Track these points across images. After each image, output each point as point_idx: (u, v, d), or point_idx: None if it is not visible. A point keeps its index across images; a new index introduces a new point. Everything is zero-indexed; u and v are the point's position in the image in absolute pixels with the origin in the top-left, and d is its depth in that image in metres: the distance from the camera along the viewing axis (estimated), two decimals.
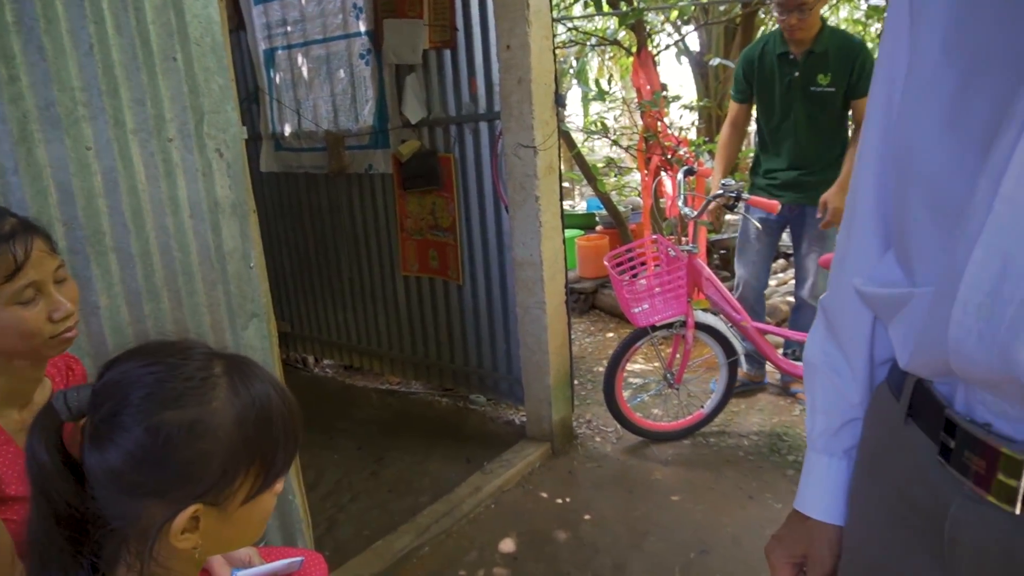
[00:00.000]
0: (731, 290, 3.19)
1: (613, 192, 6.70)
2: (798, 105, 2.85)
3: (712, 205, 2.73)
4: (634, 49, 4.51)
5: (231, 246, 1.64)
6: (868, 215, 0.73)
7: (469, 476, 2.75)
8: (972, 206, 0.52)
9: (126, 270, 1.44)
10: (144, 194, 1.45)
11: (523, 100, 2.58)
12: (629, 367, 3.74)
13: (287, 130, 3.71)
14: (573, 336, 4.50)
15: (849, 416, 0.78)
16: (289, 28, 3.49)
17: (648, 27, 6.33)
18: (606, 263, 2.76)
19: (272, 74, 3.66)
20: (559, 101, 2.66)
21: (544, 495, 2.66)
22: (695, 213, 2.72)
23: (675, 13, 5.94)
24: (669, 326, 2.78)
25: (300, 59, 3.51)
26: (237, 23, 3.67)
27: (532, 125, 2.58)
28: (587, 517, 2.49)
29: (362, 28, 3.21)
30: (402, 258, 3.47)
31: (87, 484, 0.70)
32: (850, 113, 2.90)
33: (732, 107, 3.17)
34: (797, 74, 2.80)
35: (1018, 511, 0.53)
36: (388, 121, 3.26)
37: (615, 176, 7.46)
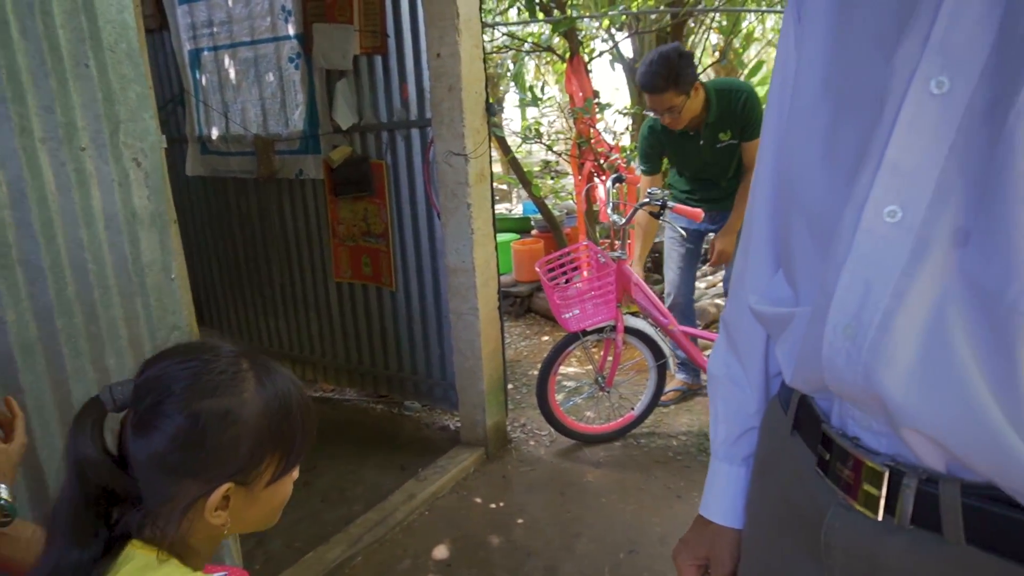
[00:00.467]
0: (661, 295, 3.28)
1: (551, 196, 6.77)
2: (710, 159, 2.92)
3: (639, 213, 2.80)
4: (567, 56, 4.57)
5: (150, 258, 1.59)
6: (762, 235, 0.77)
7: (403, 483, 2.74)
8: (840, 233, 0.57)
9: (35, 284, 1.38)
10: (55, 205, 1.40)
11: (454, 108, 2.59)
12: (563, 370, 3.79)
13: (214, 133, 3.62)
14: (509, 340, 4.54)
15: (747, 425, 0.83)
16: (215, 29, 3.41)
17: (584, 32, 6.43)
18: (537, 269, 2.80)
19: (198, 76, 3.57)
20: (490, 109, 2.68)
21: (478, 500, 2.68)
22: (624, 220, 2.79)
23: (606, 22, 6.03)
24: (600, 331, 2.84)
25: (227, 61, 3.43)
26: (160, 23, 3.56)
27: (463, 133, 2.60)
28: (520, 521, 2.52)
29: (291, 31, 3.16)
30: (334, 264, 3.43)
31: (128, 468, 0.78)
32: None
33: (643, 182, 3.14)
34: (702, 142, 2.86)
35: (880, 518, 0.57)
36: (319, 126, 3.22)
37: (552, 179, 7.54)
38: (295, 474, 0.87)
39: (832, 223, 0.58)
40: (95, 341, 1.49)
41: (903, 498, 0.56)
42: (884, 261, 0.53)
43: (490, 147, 2.75)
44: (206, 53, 3.49)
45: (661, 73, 2.61)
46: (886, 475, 0.57)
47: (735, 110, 2.77)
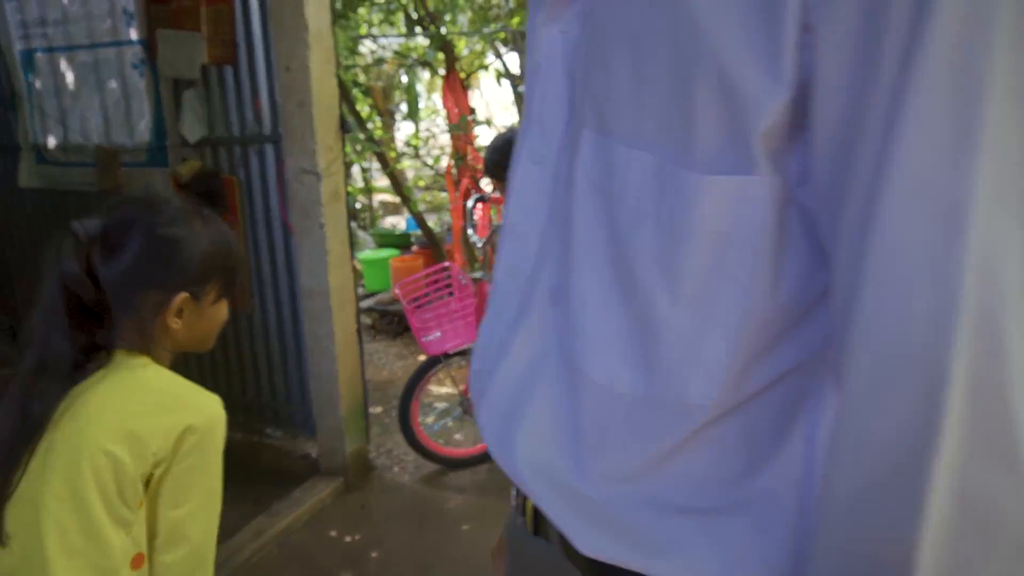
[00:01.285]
0: None
1: (441, 209, 6.69)
2: None
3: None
4: (445, 71, 4.53)
5: None
6: None
7: (254, 519, 2.58)
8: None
9: None
10: None
11: (304, 124, 2.48)
12: (437, 391, 3.72)
13: (51, 142, 3.32)
14: (384, 360, 4.43)
15: None
16: (49, 30, 3.13)
17: (467, 48, 6.40)
18: (397, 291, 2.72)
19: (31, 78, 3.27)
20: (344, 126, 2.59)
21: (333, 534, 2.56)
22: (483, 241, 2.76)
23: (483, 42, 6.05)
24: (463, 353, 2.79)
25: (64, 64, 3.16)
26: None
27: (315, 150, 2.49)
28: (374, 554, 2.42)
29: (134, 36, 2.95)
30: None
31: (100, 288, 0.96)
32: None
33: None
34: None
35: (521, 521, 0.65)
36: (167, 138, 3.02)
37: (444, 192, 7.45)
38: (226, 305, 1.09)
39: None
40: None
41: (529, 507, 0.63)
42: (502, 315, 0.58)
43: (344, 166, 2.65)
44: (40, 54, 3.21)
45: (502, 164, 2.58)
46: None
47: None
